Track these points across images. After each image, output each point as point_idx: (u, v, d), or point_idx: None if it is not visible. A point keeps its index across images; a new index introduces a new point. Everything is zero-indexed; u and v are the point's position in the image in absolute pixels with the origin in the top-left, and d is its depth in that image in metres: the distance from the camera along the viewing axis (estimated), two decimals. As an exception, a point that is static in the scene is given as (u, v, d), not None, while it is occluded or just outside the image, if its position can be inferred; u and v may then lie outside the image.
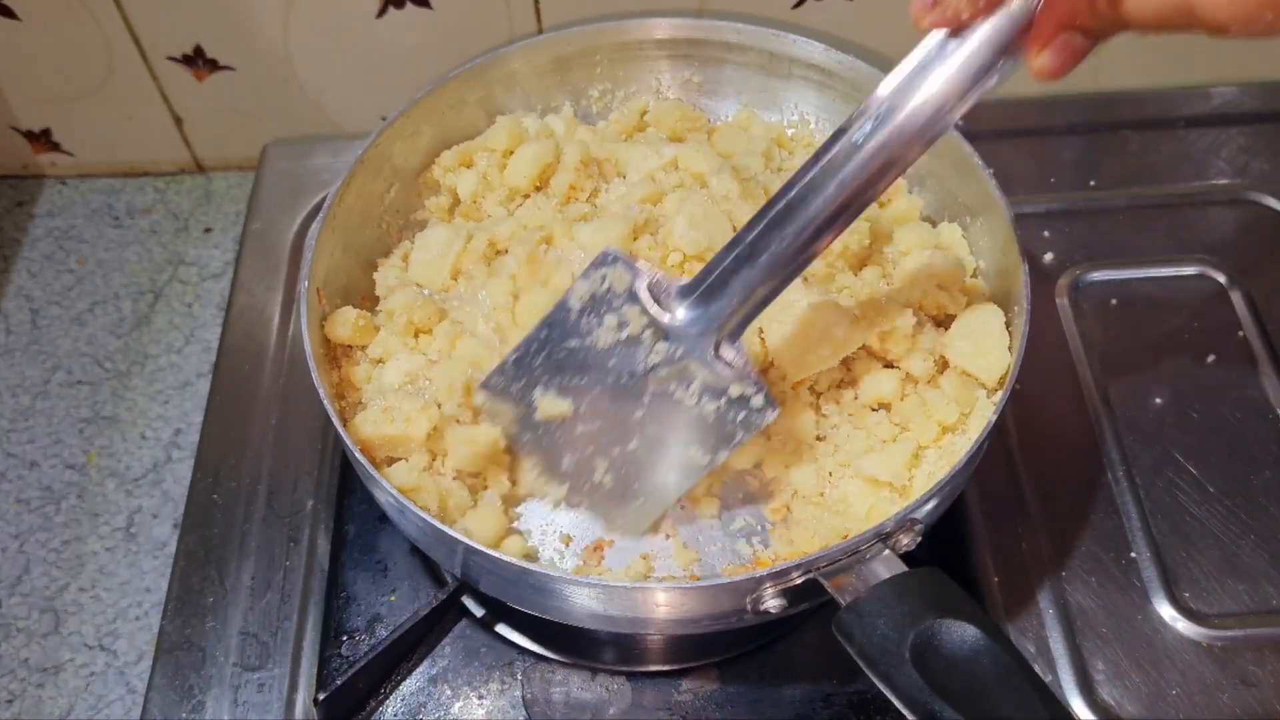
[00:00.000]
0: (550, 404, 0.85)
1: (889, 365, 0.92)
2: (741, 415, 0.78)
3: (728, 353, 0.78)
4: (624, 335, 0.80)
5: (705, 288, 0.77)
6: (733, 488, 0.90)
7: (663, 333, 0.78)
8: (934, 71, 0.67)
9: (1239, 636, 0.92)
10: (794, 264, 0.74)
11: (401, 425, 0.86)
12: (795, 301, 0.88)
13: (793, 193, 0.72)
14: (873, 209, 1.01)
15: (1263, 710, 0.89)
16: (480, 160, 1.05)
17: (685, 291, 0.78)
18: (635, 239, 0.95)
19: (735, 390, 0.78)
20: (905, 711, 0.67)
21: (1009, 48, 0.64)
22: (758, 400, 0.78)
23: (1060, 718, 0.65)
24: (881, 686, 0.68)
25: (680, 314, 0.78)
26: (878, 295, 0.93)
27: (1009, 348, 0.89)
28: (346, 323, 0.92)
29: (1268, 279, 1.13)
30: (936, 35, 0.66)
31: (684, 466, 0.82)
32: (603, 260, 0.79)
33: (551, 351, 0.83)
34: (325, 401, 0.83)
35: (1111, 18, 0.58)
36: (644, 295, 0.77)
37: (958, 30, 0.65)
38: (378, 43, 1.21)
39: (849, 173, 0.70)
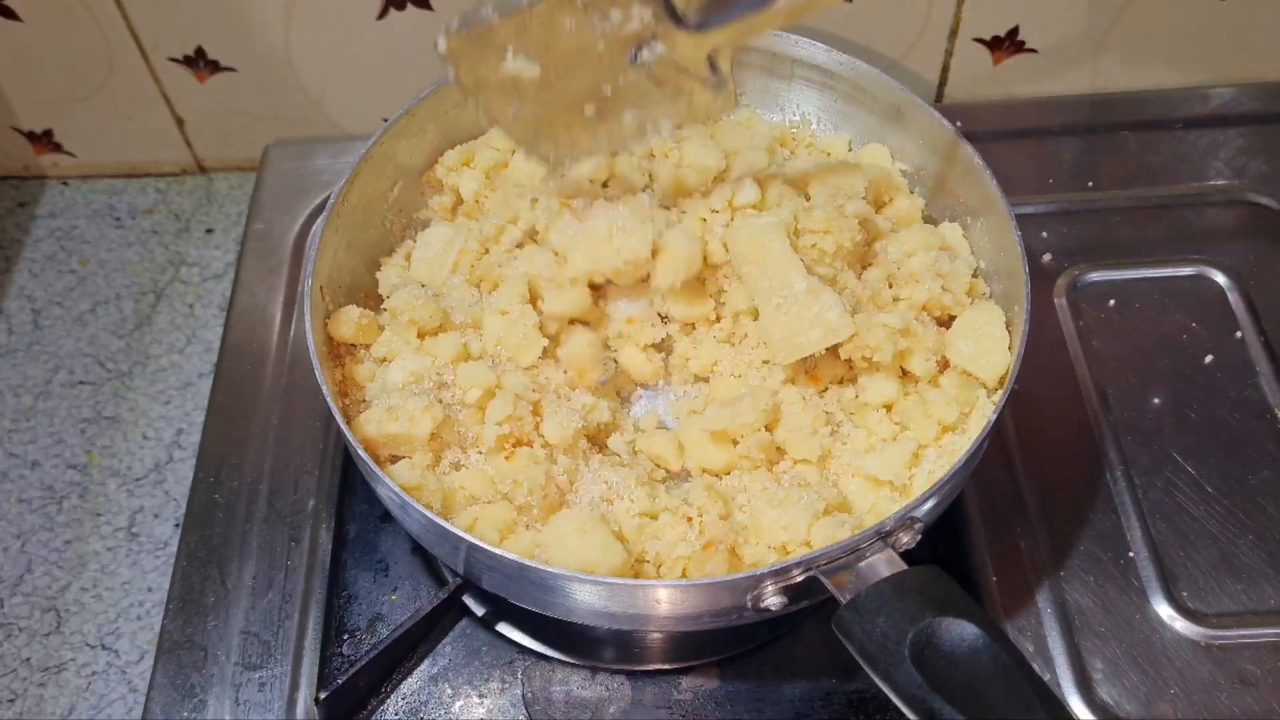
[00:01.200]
0: (521, 65, 0.84)
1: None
2: (705, 99, 0.84)
3: (717, 63, 0.83)
4: (629, 29, 0.82)
5: (712, 6, 0.80)
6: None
7: (665, 32, 0.81)
8: None
9: (1237, 636, 0.93)
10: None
11: (405, 424, 0.86)
12: (794, 283, 0.88)
13: None
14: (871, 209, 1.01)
15: (1260, 709, 0.89)
16: (483, 159, 1.05)
17: (698, 8, 0.81)
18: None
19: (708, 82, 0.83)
20: (904, 709, 0.67)
21: None
22: (721, 95, 0.84)
23: (1058, 716, 0.66)
24: (881, 684, 0.69)
25: (688, 23, 0.81)
26: (881, 297, 0.93)
27: (1009, 348, 0.89)
28: (350, 321, 0.93)
29: (1266, 280, 1.13)
30: None
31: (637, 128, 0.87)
32: None
33: (531, 21, 0.83)
34: (329, 398, 0.83)
35: None
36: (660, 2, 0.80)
37: None
38: (378, 44, 1.21)
39: None
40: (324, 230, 0.93)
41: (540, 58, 0.83)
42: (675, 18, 0.80)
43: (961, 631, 0.68)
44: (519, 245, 0.99)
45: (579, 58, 0.83)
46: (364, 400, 0.92)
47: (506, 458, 0.88)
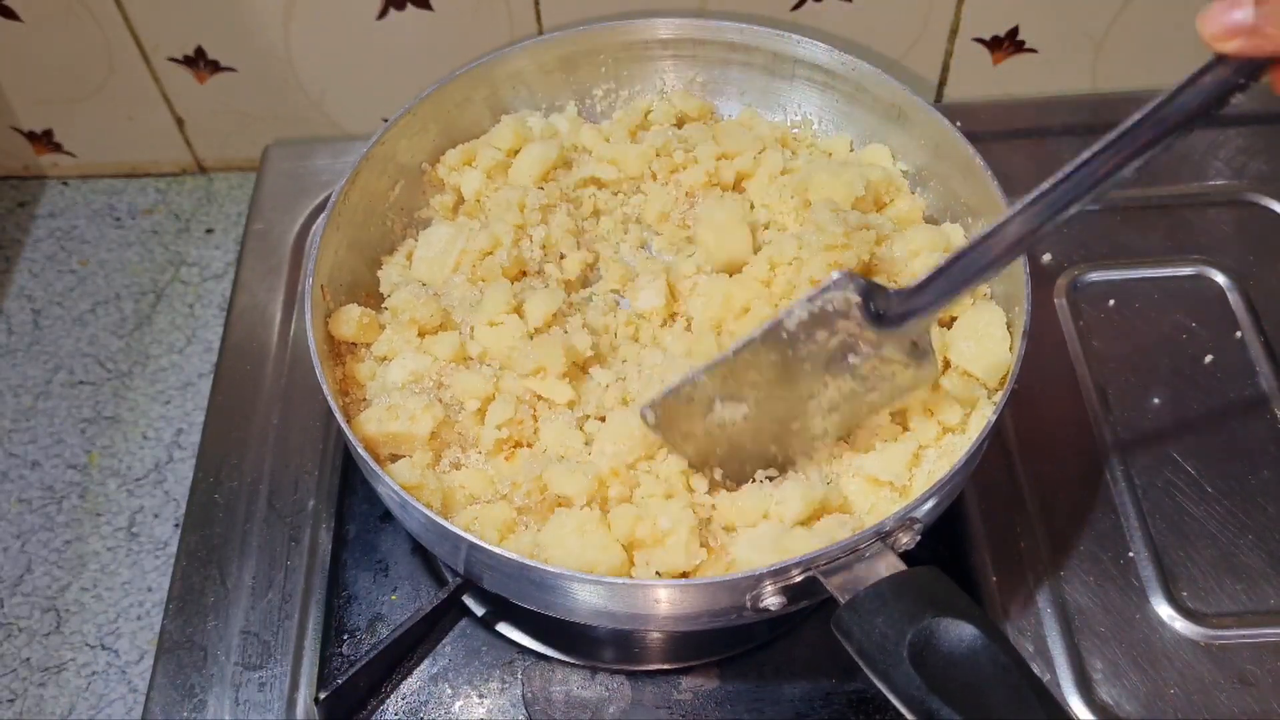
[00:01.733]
0: (730, 410, 0.84)
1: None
2: (909, 375, 0.82)
3: (920, 339, 0.81)
4: (833, 344, 0.80)
5: (911, 294, 0.78)
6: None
7: (867, 335, 0.79)
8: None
9: (1237, 636, 0.92)
10: (990, 272, 0.76)
11: (405, 423, 0.86)
12: None
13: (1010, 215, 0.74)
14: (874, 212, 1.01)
15: (1260, 709, 0.89)
16: (485, 158, 1.05)
17: (897, 299, 0.79)
18: None
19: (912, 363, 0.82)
20: (903, 710, 0.67)
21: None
22: (926, 366, 0.82)
23: (1056, 717, 0.66)
24: (879, 684, 0.69)
25: (890, 319, 0.79)
26: None
27: (1010, 348, 0.89)
28: (351, 320, 0.93)
29: (1266, 280, 1.13)
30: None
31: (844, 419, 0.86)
32: (830, 284, 0.78)
33: (736, 367, 0.82)
34: (329, 397, 0.84)
35: None
36: (862, 313, 0.78)
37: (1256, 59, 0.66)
38: (378, 44, 1.21)
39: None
40: (325, 229, 0.93)
41: (746, 393, 0.83)
42: (878, 319, 0.78)
43: (960, 632, 0.68)
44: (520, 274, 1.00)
45: (784, 385, 0.82)
46: (364, 399, 0.93)
47: (506, 458, 0.88)
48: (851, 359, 0.81)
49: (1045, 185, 0.72)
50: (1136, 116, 0.68)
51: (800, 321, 0.79)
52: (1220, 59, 0.66)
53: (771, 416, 0.85)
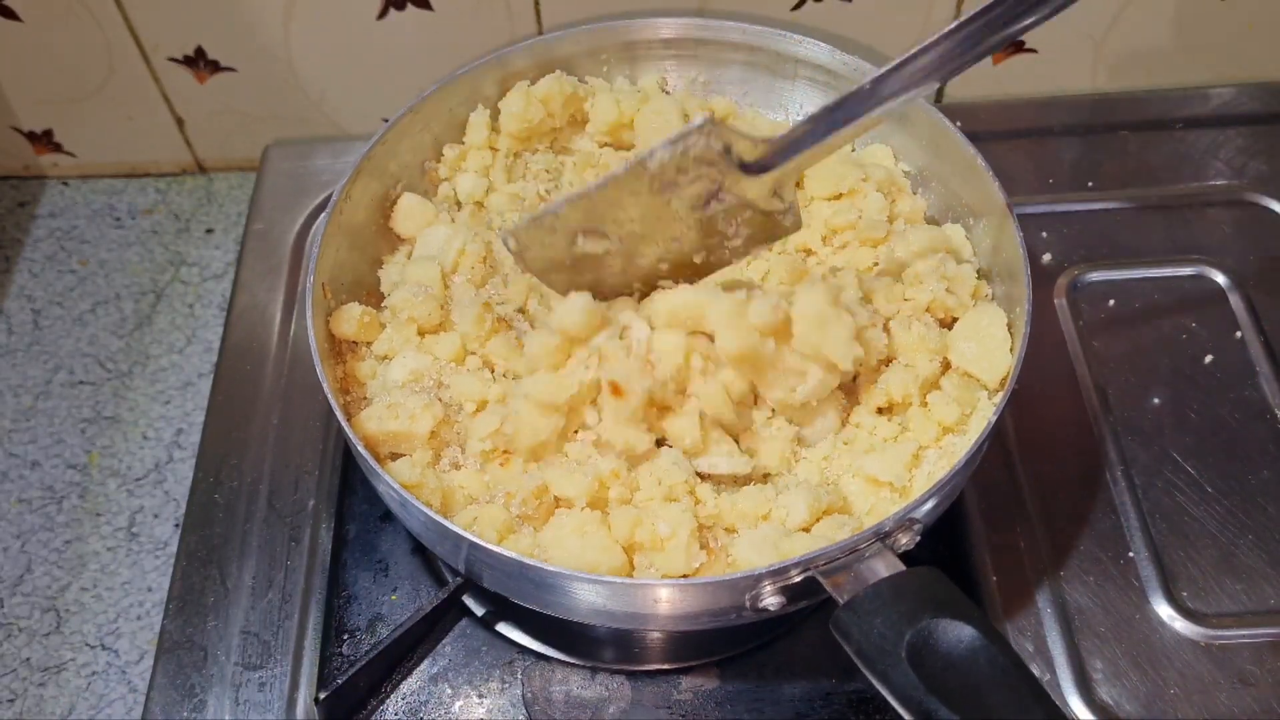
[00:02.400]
0: (592, 244, 0.85)
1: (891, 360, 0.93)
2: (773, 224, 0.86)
3: (782, 192, 0.84)
4: (697, 188, 0.82)
5: (774, 144, 0.81)
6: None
7: (731, 181, 0.82)
8: None
9: (1237, 636, 0.92)
10: (846, 133, 0.80)
11: (405, 422, 0.86)
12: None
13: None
14: (877, 213, 1.01)
15: (1260, 709, 0.89)
16: (483, 158, 1.05)
17: (760, 146, 0.81)
18: None
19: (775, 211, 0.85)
20: (901, 710, 0.67)
21: None
22: (789, 218, 0.85)
23: (1055, 717, 0.66)
24: (878, 685, 0.69)
25: (752, 167, 0.81)
26: (893, 293, 0.93)
27: (1010, 349, 0.89)
28: (351, 319, 0.93)
29: (1266, 280, 1.13)
30: None
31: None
32: (689, 129, 0.79)
33: (598, 202, 0.84)
34: (329, 395, 0.84)
35: None
36: (726, 161, 0.80)
37: None
38: (378, 44, 1.21)
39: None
40: (326, 227, 0.93)
41: (609, 230, 0.84)
42: (742, 167, 0.81)
43: (959, 633, 0.68)
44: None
45: (647, 223, 0.84)
46: (365, 398, 0.93)
47: (501, 464, 0.88)
48: (714, 205, 0.82)
49: (932, 37, 0.75)
50: None
51: (662, 162, 0.79)
52: None
53: (636, 254, 0.86)
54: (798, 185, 1.04)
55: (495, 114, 1.07)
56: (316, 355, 0.86)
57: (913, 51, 0.75)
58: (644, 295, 0.89)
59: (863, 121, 0.79)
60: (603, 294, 0.88)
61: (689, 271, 0.89)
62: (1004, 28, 0.74)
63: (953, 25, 0.74)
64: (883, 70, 0.77)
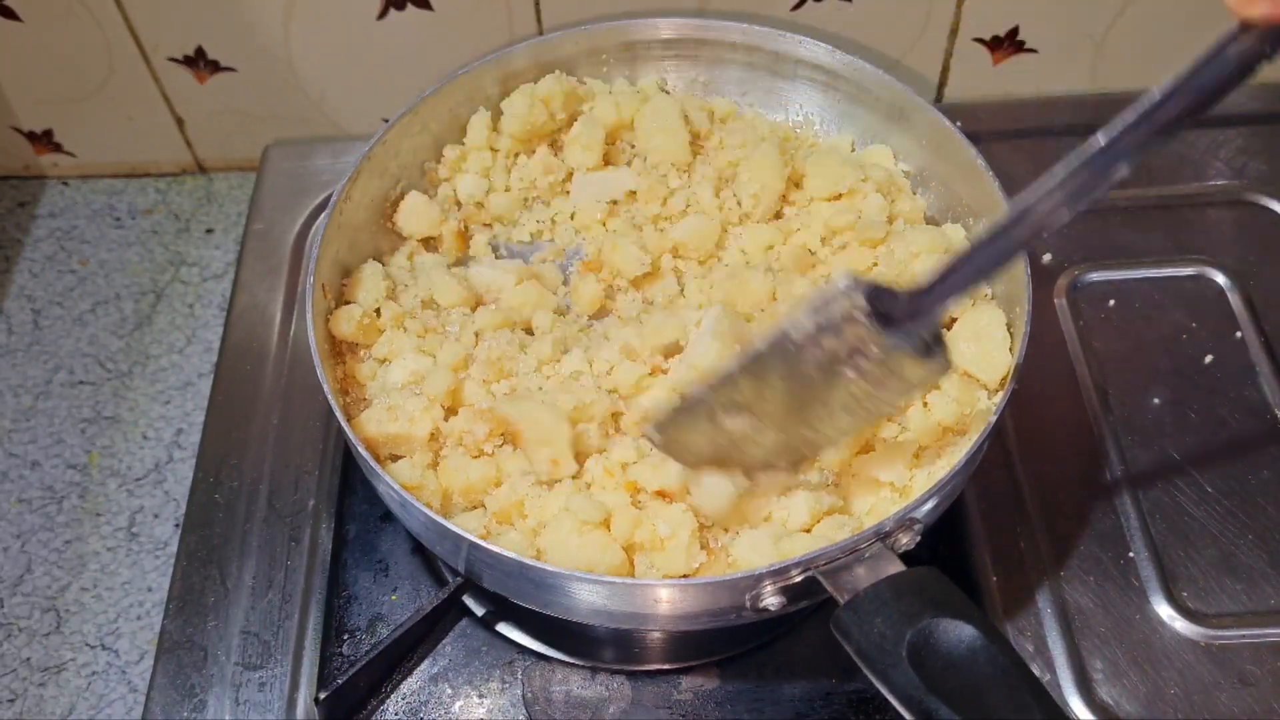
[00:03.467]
0: (734, 421, 0.81)
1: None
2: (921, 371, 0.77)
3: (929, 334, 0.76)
4: (841, 350, 0.76)
5: (918, 293, 0.74)
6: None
7: (879, 339, 0.75)
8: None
9: (1237, 636, 0.92)
10: (997, 267, 0.73)
11: (405, 424, 0.86)
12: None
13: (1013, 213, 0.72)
14: (877, 213, 1.01)
15: (1260, 710, 0.89)
16: (483, 159, 1.06)
17: (903, 299, 0.75)
18: None
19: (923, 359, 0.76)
20: (901, 710, 0.67)
21: None
22: (940, 359, 0.76)
23: (1055, 717, 0.66)
24: (878, 685, 0.69)
25: (897, 320, 0.74)
26: None
27: (1010, 349, 0.89)
28: (351, 320, 0.93)
29: (1266, 280, 1.13)
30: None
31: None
32: (831, 292, 0.75)
33: (740, 380, 0.80)
34: (329, 396, 0.84)
35: None
36: (869, 319, 0.74)
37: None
38: (378, 44, 1.21)
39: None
40: (326, 228, 0.93)
41: (753, 405, 0.80)
42: (885, 320, 0.74)
43: (959, 633, 0.68)
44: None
45: (793, 392, 0.79)
46: (365, 399, 0.93)
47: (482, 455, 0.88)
48: (861, 362, 0.76)
49: (1062, 171, 0.68)
50: (1156, 95, 0.64)
51: (806, 333, 0.75)
52: (1245, 27, 0.62)
53: (779, 425, 0.81)
54: (798, 185, 1.04)
55: (496, 114, 1.07)
56: (316, 356, 0.86)
57: (1065, 170, 0.70)
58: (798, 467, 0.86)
59: (1011, 251, 0.71)
60: (749, 469, 0.85)
61: (841, 431, 0.83)
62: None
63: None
64: (1033, 196, 0.70)
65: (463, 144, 1.07)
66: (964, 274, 0.73)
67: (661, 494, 0.84)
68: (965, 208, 1.00)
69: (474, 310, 0.98)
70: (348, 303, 0.96)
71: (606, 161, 1.07)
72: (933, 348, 0.76)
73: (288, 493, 1.02)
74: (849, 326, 0.74)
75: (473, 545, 0.77)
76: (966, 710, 0.65)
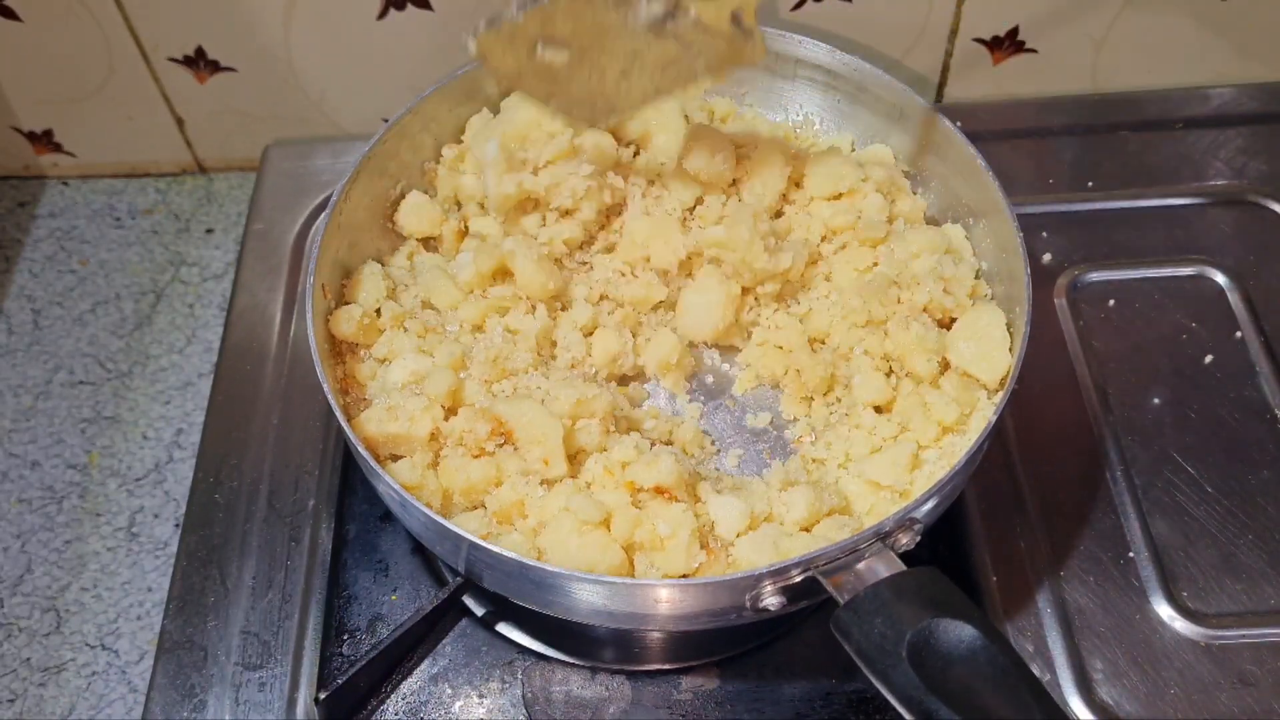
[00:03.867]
0: (552, 54, 0.86)
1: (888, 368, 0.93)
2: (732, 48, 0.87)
3: (740, 19, 0.86)
4: (651, 8, 0.85)
5: None
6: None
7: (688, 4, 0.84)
8: None
9: (1237, 636, 0.92)
10: None
11: (405, 424, 0.86)
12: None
13: None
14: (877, 213, 1.01)
15: (1260, 709, 0.89)
16: (474, 160, 1.05)
17: None
18: None
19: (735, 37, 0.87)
20: (901, 710, 0.67)
21: None
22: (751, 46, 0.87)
23: (1054, 717, 0.66)
24: (878, 685, 0.69)
25: None
26: (888, 296, 0.93)
27: (1010, 349, 0.89)
28: (351, 320, 0.93)
29: (1266, 280, 1.13)
30: None
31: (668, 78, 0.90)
32: None
33: (556, 13, 0.85)
34: (329, 395, 0.84)
35: None
36: None
37: None
38: (378, 44, 1.21)
39: None
40: (326, 228, 0.93)
41: (569, 42, 0.85)
42: None
43: (959, 633, 0.68)
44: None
45: (607, 37, 0.86)
46: (365, 398, 0.93)
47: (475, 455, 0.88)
48: (672, 24, 0.84)
49: None
50: None
51: None
52: None
53: (595, 66, 0.88)
54: (798, 185, 1.04)
55: (496, 114, 1.07)
56: (316, 356, 0.86)
57: None
58: (609, 118, 0.93)
59: None
60: (569, 109, 0.90)
61: (651, 89, 0.91)
62: None
63: None
64: None
65: (462, 143, 1.07)
66: None
67: (659, 491, 0.84)
68: (965, 208, 1.00)
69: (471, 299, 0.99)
70: (348, 303, 0.96)
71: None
72: (747, 30, 0.86)
73: (288, 493, 1.02)
74: None
75: (473, 545, 0.77)
76: (966, 710, 0.65)
